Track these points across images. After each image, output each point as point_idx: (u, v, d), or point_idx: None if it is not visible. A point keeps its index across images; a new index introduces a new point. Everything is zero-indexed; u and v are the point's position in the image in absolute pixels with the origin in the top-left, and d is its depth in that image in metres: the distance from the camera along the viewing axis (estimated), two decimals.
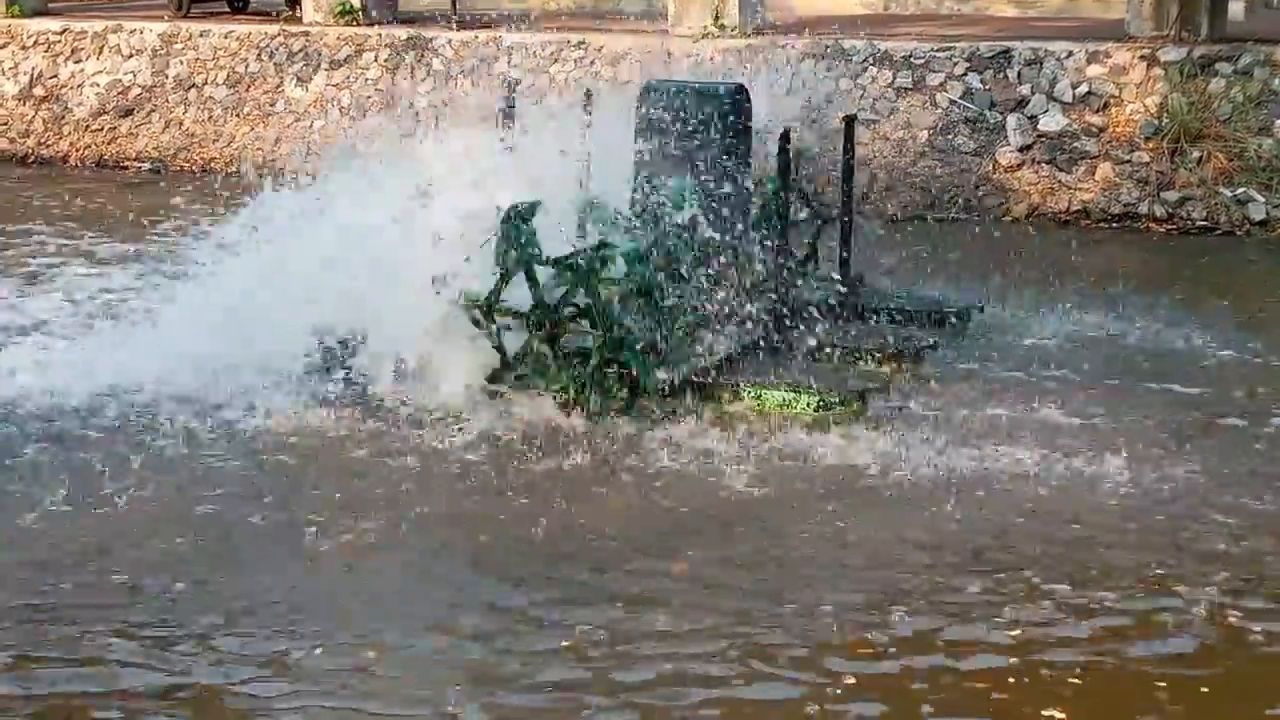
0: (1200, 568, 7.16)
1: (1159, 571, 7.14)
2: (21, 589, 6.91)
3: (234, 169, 17.68)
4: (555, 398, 9.02)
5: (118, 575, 7.06)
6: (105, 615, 6.66)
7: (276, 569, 7.15)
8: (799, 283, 10.56)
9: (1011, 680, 6.19)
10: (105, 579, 7.03)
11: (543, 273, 9.07)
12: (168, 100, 18.95)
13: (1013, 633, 6.57)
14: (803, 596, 6.89)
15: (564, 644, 6.46)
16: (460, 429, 8.86)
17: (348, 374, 9.50)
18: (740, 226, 9.89)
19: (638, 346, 9.02)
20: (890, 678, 6.22)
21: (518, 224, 8.88)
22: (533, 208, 8.92)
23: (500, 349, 9.12)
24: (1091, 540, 7.49)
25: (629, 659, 6.33)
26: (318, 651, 6.36)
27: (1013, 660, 6.34)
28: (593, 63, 16.68)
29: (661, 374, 9.11)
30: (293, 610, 6.73)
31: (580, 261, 9.03)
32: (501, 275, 9.00)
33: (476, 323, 9.08)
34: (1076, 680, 6.20)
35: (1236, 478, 8.22)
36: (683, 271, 9.54)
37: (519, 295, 9.11)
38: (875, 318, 10.61)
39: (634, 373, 9.01)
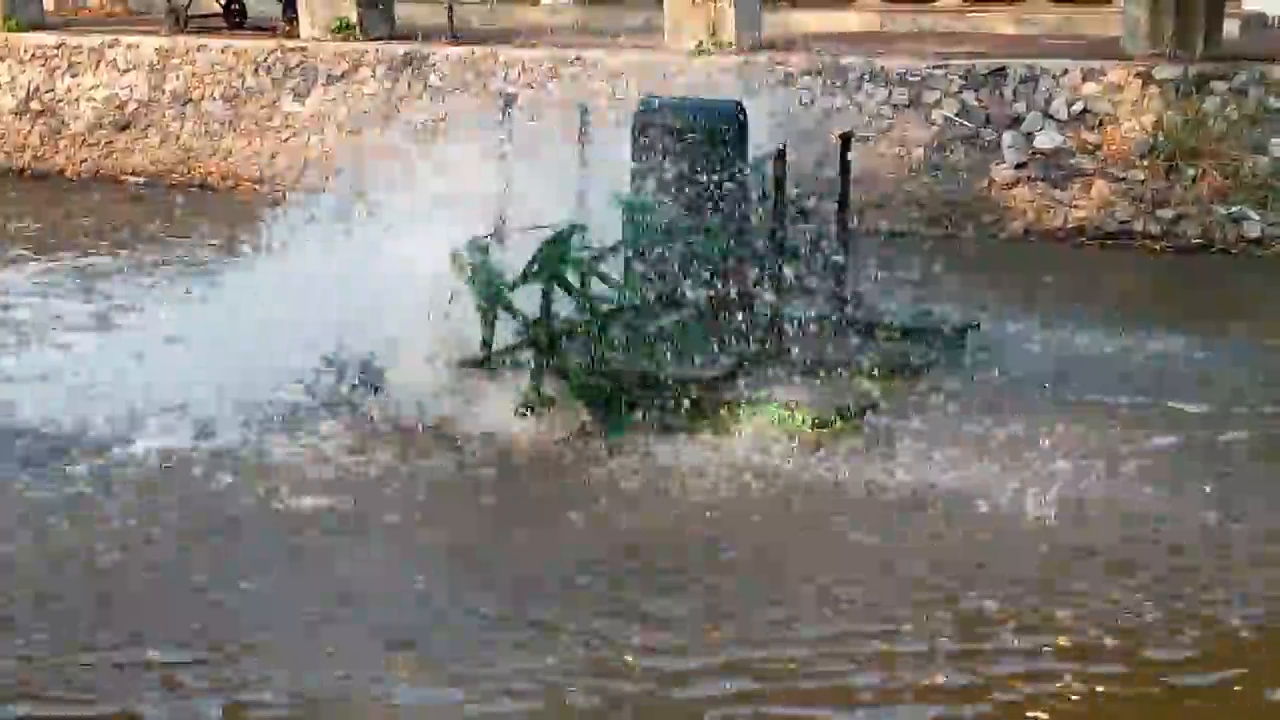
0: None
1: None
2: None
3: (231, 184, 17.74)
4: (588, 408, 9.11)
5: None
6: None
7: None
8: (795, 299, 10.57)
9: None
10: None
11: (522, 294, 9.17)
12: (164, 115, 18.95)
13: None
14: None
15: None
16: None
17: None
18: (736, 243, 9.91)
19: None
20: None
21: (472, 265, 8.96)
22: (484, 245, 9.02)
23: (519, 385, 9.20)
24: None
25: None
26: None
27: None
28: (589, 79, 16.69)
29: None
30: None
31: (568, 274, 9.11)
32: (485, 324, 9.09)
33: (478, 301, 9.14)
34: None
35: (1231, 497, 8.26)
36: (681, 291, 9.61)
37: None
38: (871, 334, 10.62)
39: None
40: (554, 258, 9.04)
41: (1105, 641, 6.73)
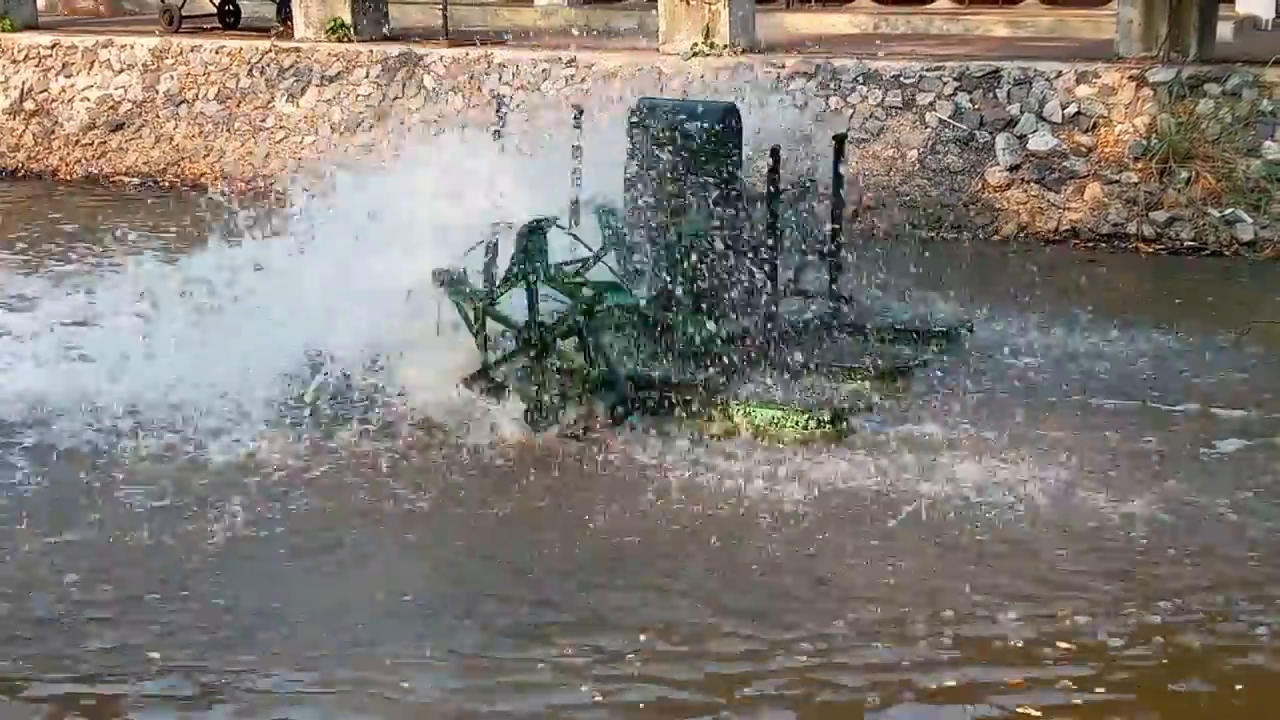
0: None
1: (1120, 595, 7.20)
2: None
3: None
4: (527, 415, 9.06)
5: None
6: None
7: None
8: (788, 300, 10.58)
9: None
10: None
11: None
12: (158, 115, 18.94)
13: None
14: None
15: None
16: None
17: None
18: (730, 245, 9.91)
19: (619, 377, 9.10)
20: None
21: (532, 239, 8.92)
22: (548, 224, 8.99)
23: (484, 352, 9.13)
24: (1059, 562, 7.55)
25: None
26: None
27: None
28: (583, 80, 16.70)
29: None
30: None
31: (583, 293, 9.07)
32: (505, 280, 9.03)
33: (466, 318, 9.10)
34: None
35: (1217, 498, 8.27)
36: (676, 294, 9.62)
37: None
38: (864, 336, 10.63)
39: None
40: (529, 254, 8.99)
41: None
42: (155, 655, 6.70)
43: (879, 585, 7.32)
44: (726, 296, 9.77)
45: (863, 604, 7.12)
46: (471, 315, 9.09)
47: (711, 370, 9.44)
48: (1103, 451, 8.90)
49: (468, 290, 9.06)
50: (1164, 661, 6.62)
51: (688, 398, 9.22)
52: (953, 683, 6.44)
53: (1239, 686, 6.46)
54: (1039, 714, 6.22)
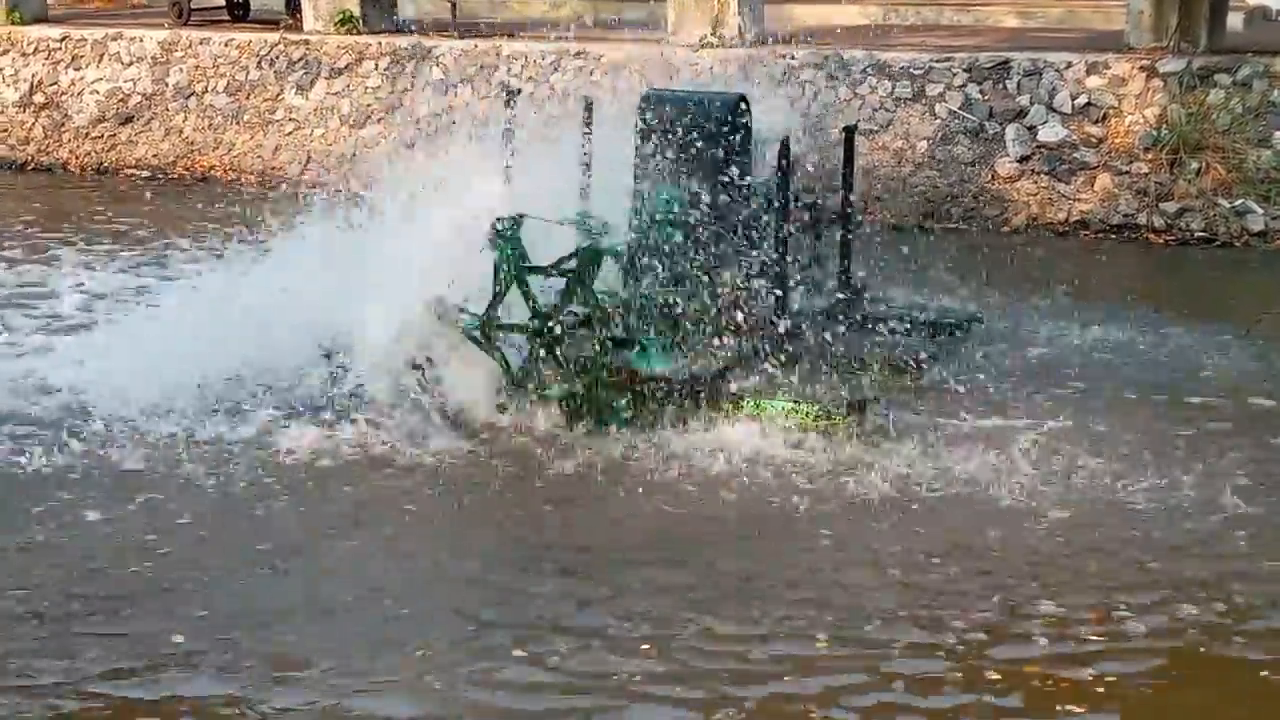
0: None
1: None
2: None
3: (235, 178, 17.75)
4: (561, 407, 9.07)
5: None
6: None
7: None
8: (799, 292, 10.57)
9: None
10: None
11: (535, 282, 9.13)
12: (168, 108, 18.95)
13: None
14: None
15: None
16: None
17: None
18: (741, 235, 9.90)
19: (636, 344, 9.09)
20: None
21: (505, 238, 8.91)
22: (518, 221, 8.96)
23: (505, 366, 9.13)
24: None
25: None
26: None
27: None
28: (592, 72, 16.69)
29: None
30: None
31: (571, 267, 9.06)
32: (495, 293, 9.03)
33: (478, 343, 9.10)
34: None
35: (1226, 488, 8.26)
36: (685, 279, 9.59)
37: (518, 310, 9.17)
38: (875, 327, 10.62)
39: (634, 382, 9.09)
40: (587, 263, 8.98)
41: None
42: None
43: (897, 580, 7.33)
44: (736, 288, 9.76)
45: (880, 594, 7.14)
46: (480, 338, 9.06)
47: (721, 362, 9.43)
48: (1117, 443, 8.89)
49: (515, 249, 8.99)
50: (1200, 650, 6.63)
51: (697, 389, 9.22)
52: (996, 676, 6.45)
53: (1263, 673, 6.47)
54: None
